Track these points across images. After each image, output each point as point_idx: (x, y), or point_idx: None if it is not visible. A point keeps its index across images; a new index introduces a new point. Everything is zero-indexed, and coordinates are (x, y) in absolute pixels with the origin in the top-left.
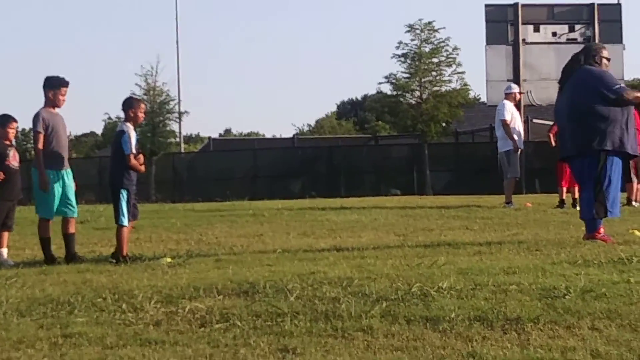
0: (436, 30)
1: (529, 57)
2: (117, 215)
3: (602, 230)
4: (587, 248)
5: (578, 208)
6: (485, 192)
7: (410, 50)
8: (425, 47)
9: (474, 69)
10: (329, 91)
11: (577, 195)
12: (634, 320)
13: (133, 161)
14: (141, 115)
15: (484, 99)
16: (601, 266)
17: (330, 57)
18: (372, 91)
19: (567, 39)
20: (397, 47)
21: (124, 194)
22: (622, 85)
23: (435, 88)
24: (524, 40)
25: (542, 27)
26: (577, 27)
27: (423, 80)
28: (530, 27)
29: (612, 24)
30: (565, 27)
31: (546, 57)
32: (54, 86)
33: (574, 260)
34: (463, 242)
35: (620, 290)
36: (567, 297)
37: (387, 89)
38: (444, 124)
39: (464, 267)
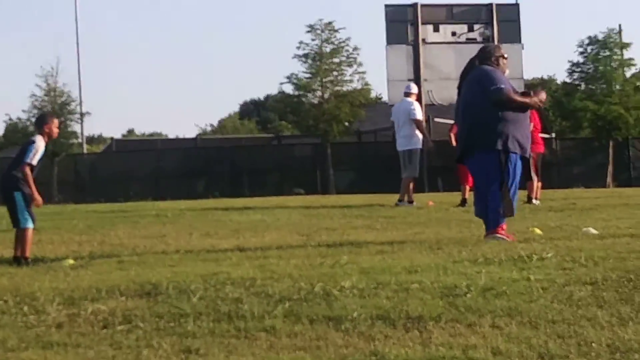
0: (336, 31)
1: (429, 57)
2: (18, 219)
3: (504, 227)
4: (488, 246)
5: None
6: (388, 191)
7: (311, 50)
8: (326, 47)
9: (375, 69)
10: (231, 91)
11: (467, 194)
12: (534, 317)
13: (28, 172)
14: (55, 130)
15: (385, 98)
16: (502, 264)
17: (232, 56)
18: (274, 91)
19: (467, 39)
20: (298, 48)
21: (19, 196)
22: (504, 86)
23: (337, 88)
24: (424, 40)
25: (441, 27)
26: (476, 27)
27: (324, 80)
28: (430, 27)
29: (510, 24)
30: (465, 27)
31: (446, 56)
32: None
33: (475, 258)
34: (366, 241)
35: (520, 287)
36: (468, 295)
37: (289, 89)
38: (346, 124)
39: (367, 266)
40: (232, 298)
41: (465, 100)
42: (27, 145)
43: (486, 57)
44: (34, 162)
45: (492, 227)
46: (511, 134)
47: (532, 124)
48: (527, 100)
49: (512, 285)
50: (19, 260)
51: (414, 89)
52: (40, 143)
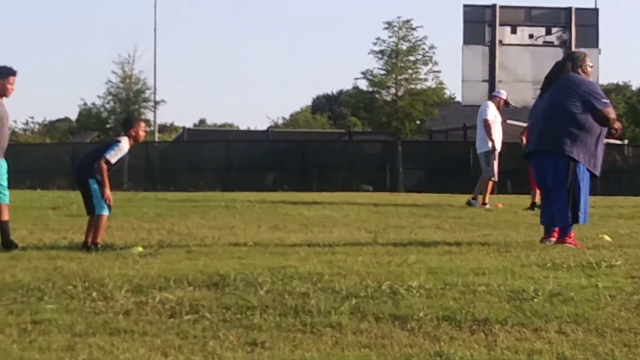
0: (414, 29)
1: (505, 58)
2: (93, 205)
3: (572, 235)
4: (556, 251)
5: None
6: (457, 192)
7: (388, 47)
8: (403, 44)
9: (450, 69)
10: (304, 85)
11: (537, 198)
12: (600, 325)
13: (104, 166)
14: (142, 134)
15: (459, 98)
16: (570, 270)
17: (307, 50)
18: (348, 86)
19: (544, 42)
20: (375, 44)
21: (94, 184)
22: (609, 102)
23: (411, 86)
24: (500, 41)
25: (519, 28)
26: (553, 30)
27: (399, 77)
28: (508, 29)
29: (589, 28)
30: (542, 30)
31: (522, 58)
32: (2, 76)
33: (543, 263)
34: (433, 241)
35: (588, 294)
36: (535, 299)
37: (363, 84)
38: (418, 122)
39: (434, 266)
40: (299, 292)
41: (551, 101)
42: (112, 142)
43: (577, 64)
44: (113, 160)
45: (561, 235)
46: (588, 148)
47: None
48: (617, 122)
49: (579, 292)
50: (88, 246)
51: (502, 94)
52: (124, 145)
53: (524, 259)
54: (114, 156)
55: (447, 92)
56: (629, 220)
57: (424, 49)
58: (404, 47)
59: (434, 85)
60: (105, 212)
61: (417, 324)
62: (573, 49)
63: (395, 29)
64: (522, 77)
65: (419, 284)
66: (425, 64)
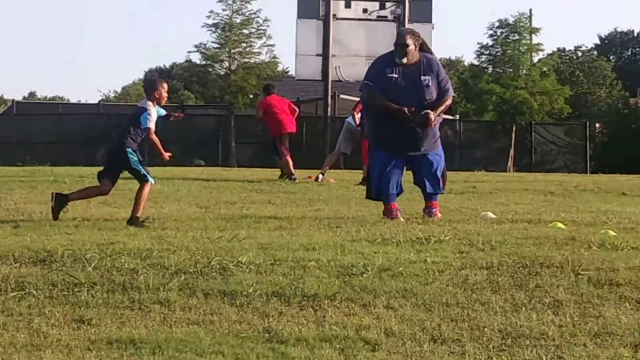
0: (248, 2)
1: (339, 33)
2: (140, 175)
3: (389, 207)
4: (386, 226)
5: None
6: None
7: (221, 20)
8: (237, 17)
9: (284, 43)
10: (136, 58)
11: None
12: (428, 300)
13: (153, 136)
14: (165, 95)
15: (292, 72)
16: (399, 245)
17: (139, 23)
18: (181, 60)
19: (378, 16)
20: (208, 17)
21: (131, 155)
22: (371, 84)
23: (245, 60)
24: (334, 15)
25: (353, 3)
26: (387, 4)
27: (233, 51)
28: (342, 3)
29: (422, 3)
30: (376, 4)
31: (356, 33)
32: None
33: (373, 238)
34: (265, 217)
35: (416, 269)
36: (364, 275)
37: (196, 58)
38: (251, 96)
39: (264, 242)
40: (128, 269)
41: None
42: (140, 113)
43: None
44: (153, 125)
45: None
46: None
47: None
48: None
49: (408, 267)
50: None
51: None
52: (152, 110)
53: (354, 234)
54: (151, 122)
55: (281, 66)
56: (459, 195)
57: (258, 22)
58: (238, 21)
59: (267, 59)
60: (151, 180)
61: (246, 300)
62: (407, 24)
63: (229, 2)
64: (356, 51)
65: (249, 260)
66: (259, 37)
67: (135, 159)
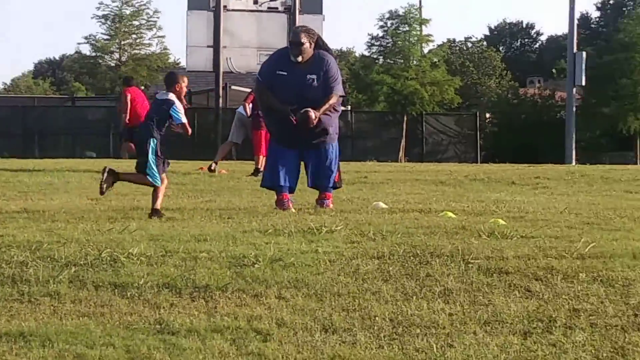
0: None
1: (230, 24)
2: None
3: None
4: (278, 217)
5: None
6: (179, 158)
7: (111, 11)
8: (126, 9)
9: (175, 34)
10: (25, 50)
11: (260, 164)
12: (320, 289)
13: (188, 128)
14: (185, 89)
15: (183, 64)
16: (291, 235)
17: (28, 14)
18: (70, 51)
19: (268, 8)
20: (98, 8)
21: (152, 143)
22: (261, 79)
23: (135, 51)
24: (225, 6)
25: None
26: None
27: (123, 42)
28: None
29: None
30: None
31: (247, 24)
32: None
33: (265, 229)
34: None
35: (308, 259)
36: (256, 265)
37: (86, 49)
38: (142, 88)
39: (155, 233)
40: (17, 261)
41: None
42: (169, 108)
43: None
44: (184, 119)
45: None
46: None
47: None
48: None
49: (299, 257)
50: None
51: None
52: (177, 102)
53: (245, 225)
54: (183, 115)
55: (172, 58)
56: (350, 185)
57: (148, 13)
58: (128, 12)
59: (158, 51)
60: (153, 181)
61: (137, 291)
62: (297, 15)
63: None
64: (247, 43)
65: (140, 252)
66: (150, 29)
67: (155, 148)
